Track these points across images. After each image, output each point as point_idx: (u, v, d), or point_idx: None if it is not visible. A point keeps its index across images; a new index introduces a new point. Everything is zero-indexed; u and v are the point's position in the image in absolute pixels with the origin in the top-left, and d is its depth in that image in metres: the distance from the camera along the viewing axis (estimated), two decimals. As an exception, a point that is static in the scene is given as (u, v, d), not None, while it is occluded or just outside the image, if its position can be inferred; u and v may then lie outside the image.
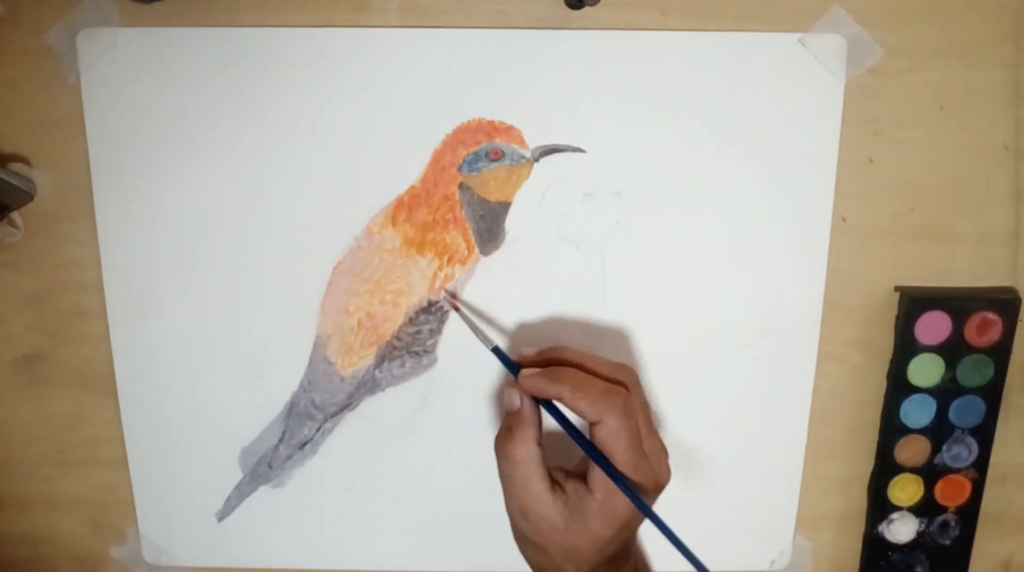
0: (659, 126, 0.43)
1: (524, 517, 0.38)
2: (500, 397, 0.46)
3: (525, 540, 0.39)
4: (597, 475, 0.37)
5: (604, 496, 0.37)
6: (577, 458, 0.40)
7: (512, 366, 0.40)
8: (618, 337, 0.45)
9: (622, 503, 0.37)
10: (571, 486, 0.38)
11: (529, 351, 0.41)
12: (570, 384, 0.38)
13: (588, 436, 0.38)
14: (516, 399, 0.39)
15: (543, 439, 0.39)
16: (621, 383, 0.38)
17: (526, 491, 0.38)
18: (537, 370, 0.39)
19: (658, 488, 0.39)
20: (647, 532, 0.47)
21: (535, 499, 0.38)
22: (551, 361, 0.40)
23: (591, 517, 0.37)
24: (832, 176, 0.43)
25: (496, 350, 0.41)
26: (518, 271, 0.44)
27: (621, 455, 0.37)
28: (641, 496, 0.37)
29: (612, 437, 0.37)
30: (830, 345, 0.46)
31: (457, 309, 0.44)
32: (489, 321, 0.45)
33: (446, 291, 0.44)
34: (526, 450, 0.38)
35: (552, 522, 0.38)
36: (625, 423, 0.37)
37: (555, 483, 0.38)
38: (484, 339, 0.42)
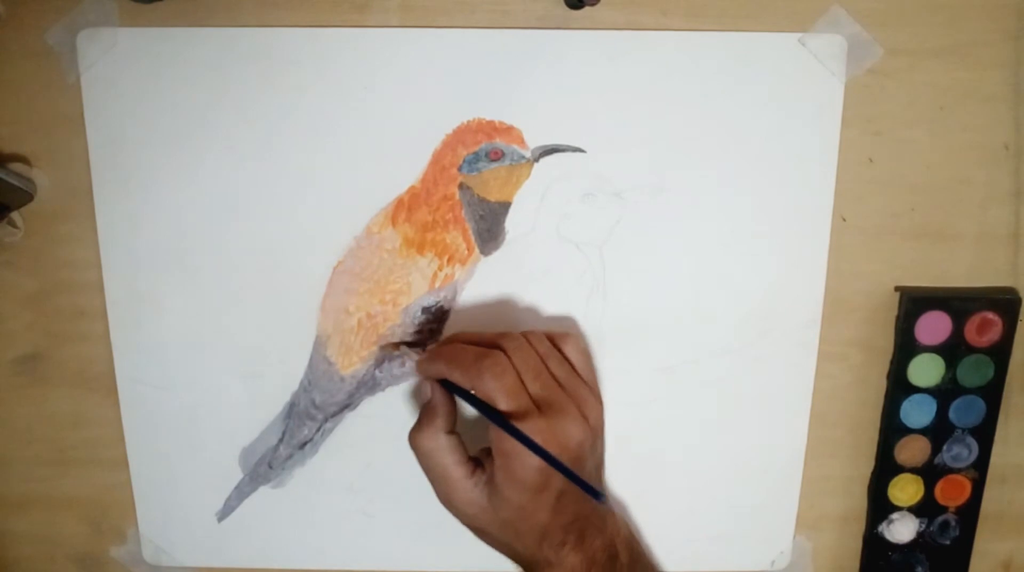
0: (659, 126, 0.43)
1: (451, 505, 0.39)
2: (415, 392, 0.46)
3: (470, 528, 0.40)
4: (495, 445, 0.37)
5: (503, 460, 0.37)
6: None
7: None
8: (618, 337, 0.45)
9: (518, 464, 0.36)
10: (486, 463, 0.39)
11: (431, 346, 0.43)
12: (444, 358, 0.39)
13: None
14: (427, 389, 0.40)
15: (458, 425, 0.40)
16: (499, 346, 0.38)
17: (443, 481, 0.39)
18: (426, 354, 0.41)
19: (562, 443, 0.37)
20: (653, 531, 0.47)
21: (453, 487, 0.39)
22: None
23: (501, 485, 0.37)
24: (832, 176, 0.43)
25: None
26: (518, 271, 0.44)
27: (503, 411, 0.37)
28: (544, 450, 0.36)
29: (488, 398, 0.37)
30: (830, 345, 0.46)
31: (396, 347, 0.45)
32: (489, 321, 0.45)
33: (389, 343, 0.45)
34: (433, 440, 0.39)
35: (478, 504, 0.38)
36: (498, 382, 0.37)
37: (478, 465, 0.39)
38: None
